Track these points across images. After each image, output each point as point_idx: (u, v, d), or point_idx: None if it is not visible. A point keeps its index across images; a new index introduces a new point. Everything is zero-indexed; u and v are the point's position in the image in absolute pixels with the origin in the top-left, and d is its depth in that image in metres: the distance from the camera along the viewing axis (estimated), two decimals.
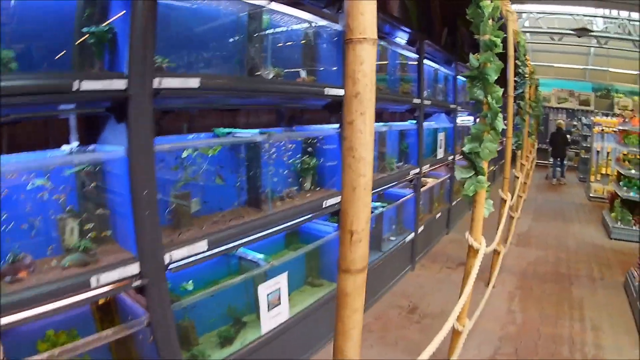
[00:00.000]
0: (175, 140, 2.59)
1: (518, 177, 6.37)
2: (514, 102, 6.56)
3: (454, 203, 6.86)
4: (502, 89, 2.66)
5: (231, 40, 2.77)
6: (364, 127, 1.13)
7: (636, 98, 15.34)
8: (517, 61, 6.25)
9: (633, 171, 7.03)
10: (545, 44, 15.70)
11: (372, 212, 4.33)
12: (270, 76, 2.83)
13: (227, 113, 3.33)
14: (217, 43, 2.70)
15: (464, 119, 8.64)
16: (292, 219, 2.99)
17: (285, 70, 3.06)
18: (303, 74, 3.31)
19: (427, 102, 5.13)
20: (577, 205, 9.70)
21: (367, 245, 1.25)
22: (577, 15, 12.88)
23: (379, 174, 4.35)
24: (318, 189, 3.54)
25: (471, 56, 2.62)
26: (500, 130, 2.66)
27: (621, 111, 14.79)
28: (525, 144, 7.81)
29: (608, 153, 10.34)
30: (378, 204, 4.47)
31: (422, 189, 5.37)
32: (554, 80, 17.10)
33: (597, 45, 14.24)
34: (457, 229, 7.09)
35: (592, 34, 12.33)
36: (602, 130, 10.73)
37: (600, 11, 12.84)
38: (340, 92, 3.33)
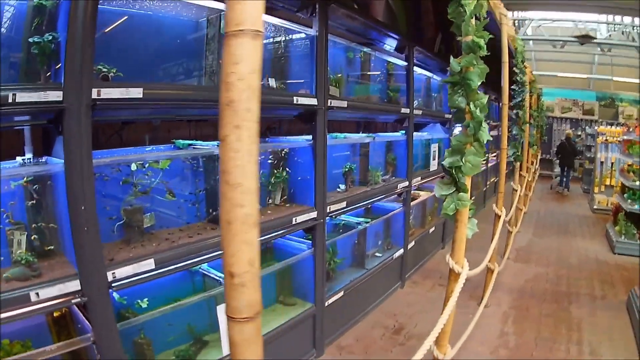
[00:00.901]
0: (133, 152, 2.45)
1: (516, 190, 6.11)
2: (512, 110, 6.37)
3: None
4: (487, 96, 2.43)
5: (188, 47, 2.59)
6: (240, 144, 0.89)
7: None
8: (514, 68, 6.04)
9: (637, 183, 6.74)
10: (548, 52, 15.46)
11: (354, 228, 4.16)
12: None
13: (194, 124, 3.15)
14: (173, 51, 2.53)
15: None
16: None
17: None
18: (272, 82, 3.10)
19: (417, 112, 4.91)
20: (580, 217, 9.38)
21: (257, 289, 0.98)
22: (580, 22, 12.62)
23: (361, 188, 4.12)
24: (288, 204, 3.35)
25: (452, 60, 2.39)
26: (484, 141, 2.44)
27: (625, 120, 14.50)
28: (526, 155, 7.56)
29: (612, 164, 10.04)
30: (362, 219, 4.23)
31: (413, 203, 5.14)
32: (558, 90, 16.83)
33: (601, 53, 13.95)
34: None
35: (595, 41, 12.05)
36: (606, 140, 10.45)
37: (604, 17, 12.58)
38: (313, 101, 3.15)
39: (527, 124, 6.89)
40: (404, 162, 4.79)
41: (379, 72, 4.51)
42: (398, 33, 4.37)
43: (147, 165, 2.28)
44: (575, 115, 16.38)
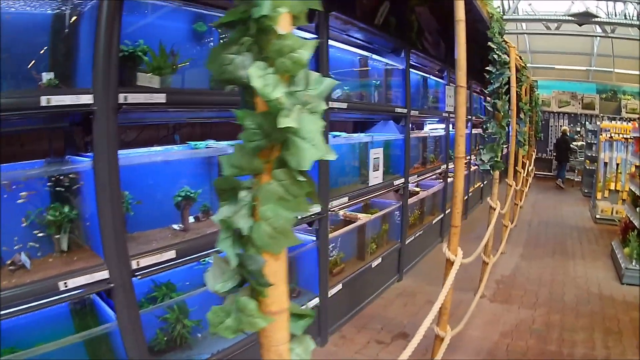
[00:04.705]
0: None
1: (494, 208, 4.61)
2: (488, 102, 4.87)
3: (407, 241, 5.09)
4: (314, 42, 0.87)
5: None
6: None
7: None
8: (490, 43, 4.54)
9: None
10: (544, 40, 13.92)
11: None
12: None
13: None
14: None
15: (432, 128, 6.96)
16: None
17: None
18: (46, 76, 1.92)
19: (338, 105, 3.40)
20: (580, 230, 7.84)
21: None
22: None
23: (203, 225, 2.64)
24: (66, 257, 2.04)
25: None
26: (309, 166, 0.89)
27: (629, 115, 13.07)
28: (512, 159, 6.06)
29: (617, 165, 8.53)
30: None
31: (337, 233, 3.65)
32: (555, 82, 15.32)
33: (602, 35, 12.36)
34: (412, 274, 5.30)
35: (596, 20, 10.47)
36: (611, 137, 8.93)
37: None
38: (83, 99, 1.83)
39: (509, 120, 5.37)
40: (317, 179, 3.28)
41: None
42: None
43: None
44: (574, 110, 14.81)
